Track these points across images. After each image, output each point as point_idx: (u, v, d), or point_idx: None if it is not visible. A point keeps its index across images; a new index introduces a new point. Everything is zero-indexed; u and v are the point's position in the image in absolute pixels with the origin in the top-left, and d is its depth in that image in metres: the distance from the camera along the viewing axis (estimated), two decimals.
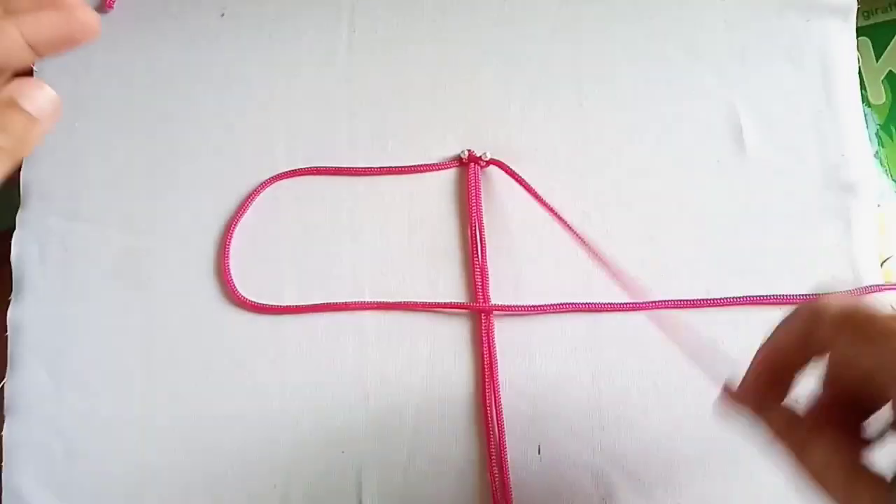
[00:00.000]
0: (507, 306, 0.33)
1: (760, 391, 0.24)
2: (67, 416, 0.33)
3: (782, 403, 0.23)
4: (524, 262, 0.33)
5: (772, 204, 0.33)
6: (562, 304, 0.33)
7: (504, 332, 0.33)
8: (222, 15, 0.37)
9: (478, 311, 0.33)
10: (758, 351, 0.24)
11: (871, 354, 0.20)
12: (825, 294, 0.24)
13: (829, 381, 0.23)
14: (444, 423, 0.32)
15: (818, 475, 0.22)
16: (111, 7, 0.38)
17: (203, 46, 0.37)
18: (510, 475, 0.31)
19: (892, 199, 0.39)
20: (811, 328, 0.22)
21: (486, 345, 0.32)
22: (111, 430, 0.33)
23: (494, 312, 0.33)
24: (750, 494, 0.31)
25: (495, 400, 0.32)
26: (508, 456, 0.31)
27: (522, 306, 0.33)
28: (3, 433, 0.33)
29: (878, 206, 0.34)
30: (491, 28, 0.36)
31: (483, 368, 0.32)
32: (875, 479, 0.21)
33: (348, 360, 0.33)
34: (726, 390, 0.25)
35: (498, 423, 0.31)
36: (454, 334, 0.33)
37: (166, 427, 0.33)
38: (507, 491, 0.31)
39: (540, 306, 0.33)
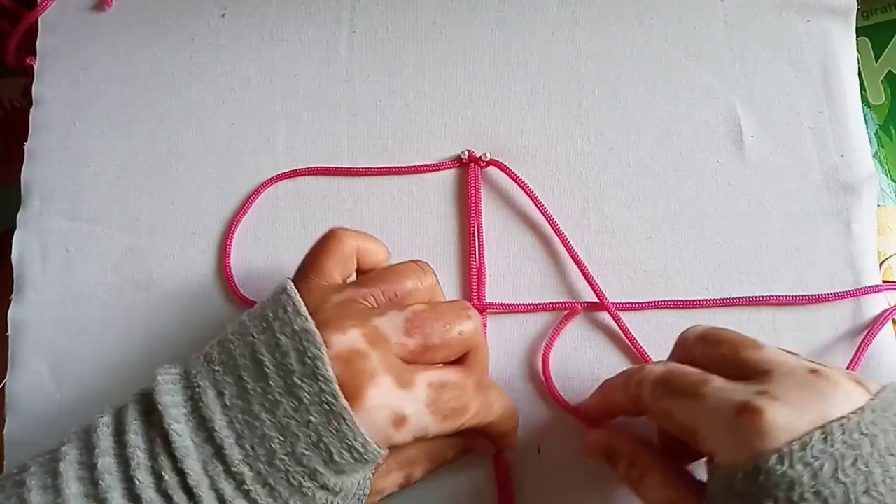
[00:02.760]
0: (501, 304, 0.33)
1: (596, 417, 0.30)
2: (68, 416, 0.33)
3: (628, 444, 0.27)
4: (524, 262, 0.34)
5: (771, 204, 0.33)
6: (557, 303, 0.33)
7: (503, 331, 0.33)
8: (223, 15, 0.37)
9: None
10: (592, 397, 0.30)
11: (683, 410, 0.24)
12: (648, 366, 0.26)
13: (658, 431, 0.28)
14: None
15: None
16: (109, 6, 0.38)
17: (203, 46, 0.37)
18: (511, 475, 0.31)
19: (892, 199, 0.39)
20: (634, 392, 0.26)
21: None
22: None
23: (489, 312, 0.33)
24: None
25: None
26: (508, 456, 0.31)
27: (517, 305, 0.33)
28: (3, 433, 0.33)
29: (878, 206, 0.34)
30: (491, 28, 0.36)
31: None
32: None
33: None
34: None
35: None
36: None
37: None
38: (507, 491, 0.31)
39: (535, 305, 0.33)
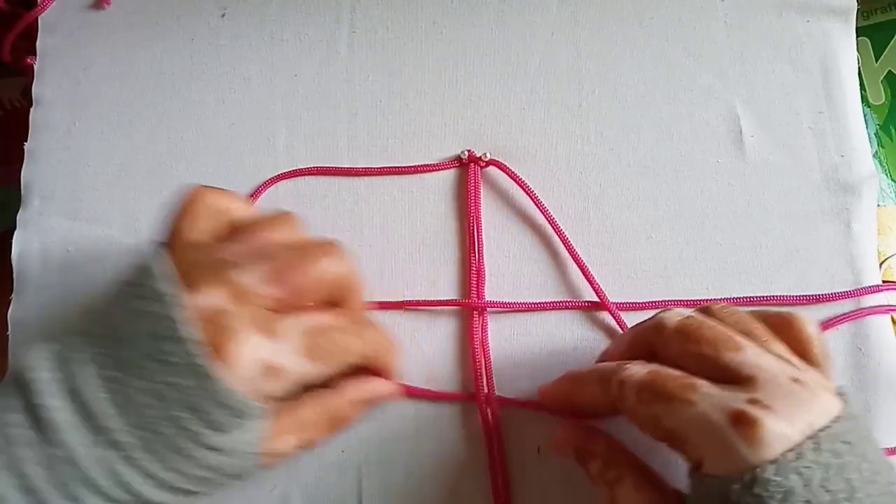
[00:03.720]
0: (501, 303, 0.33)
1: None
2: None
3: (602, 446, 0.27)
4: (523, 262, 0.34)
5: (771, 204, 0.33)
6: (557, 302, 0.33)
7: (503, 331, 0.33)
8: (223, 15, 0.37)
9: (471, 309, 0.33)
10: (557, 385, 0.29)
11: (671, 415, 0.23)
12: (631, 367, 0.25)
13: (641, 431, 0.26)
14: (444, 423, 0.32)
15: None
16: (108, 4, 0.38)
17: (203, 46, 0.37)
18: (510, 475, 0.31)
19: (892, 199, 0.39)
20: (615, 393, 0.25)
21: (480, 342, 0.32)
22: None
23: (489, 310, 0.33)
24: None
25: (490, 398, 0.32)
26: (508, 456, 0.31)
27: (517, 303, 0.33)
28: None
29: (878, 205, 0.34)
30: (491, 28, 0.36)
31: (476, 367, 0.32)
32: None
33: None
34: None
35: (494, 423, 0.31)
36: (453, 334, 0.33)
37: None
38: (506, 491, 0.31)
39: (535, 303, 0.33)
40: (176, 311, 0.23)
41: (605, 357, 0.29)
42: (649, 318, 0.26)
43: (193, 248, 0.26)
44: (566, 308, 0.33)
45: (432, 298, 0.33)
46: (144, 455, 0.24)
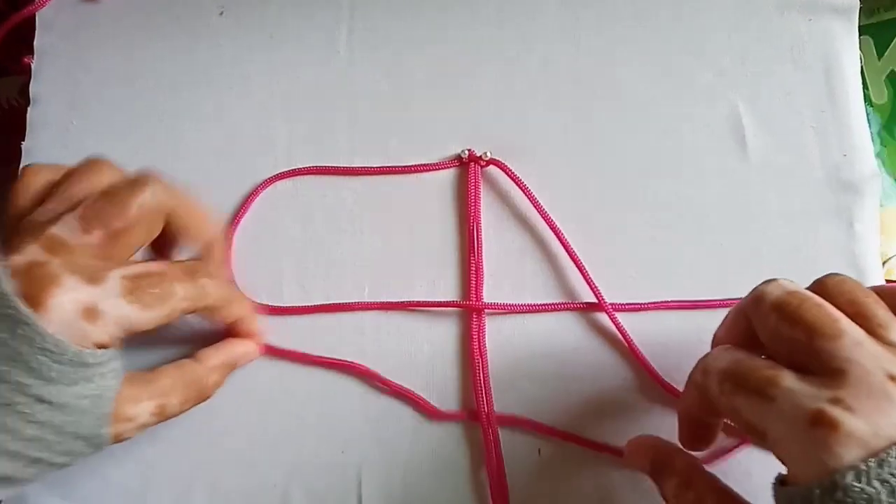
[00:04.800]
0: (498, 304, 0.33)
1: (686, 440, 0.27)
2: None
3: (681, 463, 0.26)
4: (523, 262, 0.33)
5: (773, 203, 0.33)
6: (557, 304, 0.33)
7: (503, 332, 0.33)
8: (221, 13, 0.37)
9: (469, 310, 0.33)
10: (678, 406, 0.28)
11: (751, 409, 0.22)
12: (713, 355, 0.24)
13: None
14: (444, 423, 0.32)
15: None
16: None
17: (203, 46, 0.37)
18: (509, 475, 0.31)
19: (894, 198, 0.39)
20: (700, 382, 0.24)
21: (478, 343, 0.32)
22: None
23: (488, 312, 0.33)
24: (750, 494, 0.31)
25: (487, 399, 0.32)
26: (508, 456, 0.31)
27: (514, 304, 0.33)
28: None
29: (881, 205, 0.34)
30: (491, 28, 0.36)
31: (475, 368, 0.32)
32: None
33: (348, 359, 0.33)
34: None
35: (491, 423, 0.31)
36: (453, 333, 0.33)
37: (167, 426, 0.33)
38: (505, 491, 0.31)
39: (533, 305, 0.33)
40: None
41: (714, 340, 0.28)
42: (753, 290, 0.24)
43: (18, 217, 0.27)
44: (564, 309, 0.33)
45: (431, 299, 0.33)
46: None
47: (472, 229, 0.33)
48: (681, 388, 0.31)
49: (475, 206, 0.33)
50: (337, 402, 0.33)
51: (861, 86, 0.34)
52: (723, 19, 0.35)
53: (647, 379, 0.32)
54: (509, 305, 0.33)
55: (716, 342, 0.27)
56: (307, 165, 0.35)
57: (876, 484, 0.19)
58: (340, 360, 0.33)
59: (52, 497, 0.33)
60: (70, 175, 0.28)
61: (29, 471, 0.25)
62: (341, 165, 0.35)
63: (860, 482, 0.19)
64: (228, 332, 0.32)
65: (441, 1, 0.36)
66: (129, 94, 0.36)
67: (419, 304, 0.33)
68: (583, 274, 0.32)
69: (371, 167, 0.35)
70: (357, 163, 0.35)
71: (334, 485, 0.32)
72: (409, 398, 0.32)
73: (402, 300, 0.33)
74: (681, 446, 0.28)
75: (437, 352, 0.33)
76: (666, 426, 0.31)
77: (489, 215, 0.34)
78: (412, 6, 0.36)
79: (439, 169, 0.35)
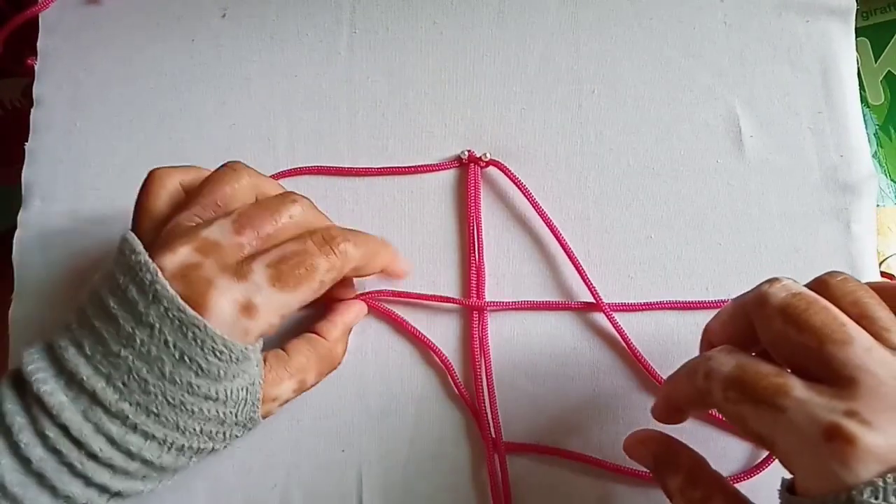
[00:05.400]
0: (501, 303, 0.33)
1: (661, 417, 0.27)
2: None
3: (686, 461, 0.25)
4: (523, 262, 0.34)
5: (771, 204, 0.33)
6: (553, 302, 0.33)
7: (503, 332, 0.33)
8: (223, 15, 0.37)
9: (470, 308, 0.33)
10: (665, 388, 0.27)
11: (759, 419, 0.21)
12: (716, 357, 0.23)
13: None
14: (443, 423, 0.32)
15: None
16: None
17: (204, 47, 0.37)
18: (509, 474, 0.31)
19: (891, 199, 0.39)
20: (702, 386, 0.23)
21: (480, 341, 0.32)
22: None
23: (490, 310, 0.33)
24: (750, 494, 0.31)
25: (490, 398, 0.32)
26: (509, 456, 0.31)
27: (517, 302, 0.33)
28: None
29: (877, 205, 0.35)
30: (491, 28, 0.36)
31: (475, 366, 0.32)
32: None
33: (348, 359, 0.33)
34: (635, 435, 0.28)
35: (494, 423, 0.31)
36: (453, 333, 0.33)
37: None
38: (506, 490, 0.31)
39: (535, 302, 0.33)
40: (149, 274, 0.24)
41: (706, 331, 0.27)
42: (754, 288, 0.24)
43: (163, 222, 0.27)
44: (562, 309, 0.33)
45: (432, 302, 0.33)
46: (142, 418, 0.25)
47: (472, 230, 0.33)
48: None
49: (475, 206, 0.34)
50: (337, 401, 0.33)
51: (858, 87, 0.34)
52: (721, 20, 0.35)
53: (645, 378, 0.32)
54: (511, 303, 0.33)
55: (709, 336, 0.27)
56: (308, 165, 0.35)
57: (893, 500, 0.19)
58: (428, 339, 0.33)
59: None
60: (210, 180, 0.28)
61: (190, 460, 0.27)
62: (342, 166, 0.35)
63: (877, 499, 0.19)
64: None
65: (441, 2, 0.36)
66: (131, 95, 0.37)
67: (421, 296, 0.33)
68: (581, 275, 0.32)
69: (371, 168, 0.35)
70: (357, 163, 0.35)
71: (334, 485, 0.32)
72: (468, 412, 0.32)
73: (402, 303, 0.33)
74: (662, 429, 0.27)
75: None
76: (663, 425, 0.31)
77: (489, 216, 0.34)
78: (412, 7, 0.36)
79: (439, 170, 0.35)
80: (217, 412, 0.26)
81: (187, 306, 0.24)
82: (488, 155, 0.34)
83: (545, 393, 0.32)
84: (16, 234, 0.35)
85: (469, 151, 0.34)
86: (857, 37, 0.35)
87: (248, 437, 0.32)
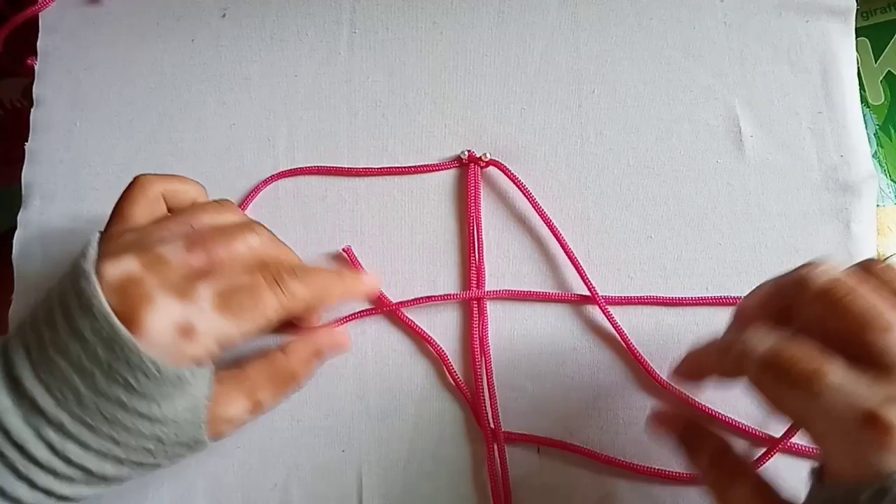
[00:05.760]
0: (498, 291, 0.33)
1: (683, 377, 0.28)
2: None
3: (710, 443, 0.26)
4: (523, 262, 0.34)
5: (771, 204, 0.33)
6: (550, 294, 0.33)
7: (503, 333, 0.33)
8: (223, 15, 0.37)
9: (469, 300, 0.33)
10: (685, 359, 0.28)
11: (795, 402, 0.21)
12: (752, 337, 0.23)
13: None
14: (444, 423, 0.32)
15: None
16: None
17: (204, 47, 0.37)
18: (510, 475, 0.31)
19: (891, 199, 0.39)
20: (735, 365, 0.23)
21: (479, 333, 0.32)
22: None
23: (488, 299, 0.33)
24: None
25: (489, 389, 0.32)
26: (508, 455, 0.31)
27: (513, 291, 0.33)
28: None
29: (877, 205, 0.35)
30: (491, 28, 0.36)
31: (475, 359, 0.32)
32: None
33: (349, 359, 0.33)
34: (655, 413, 0.28)
35: (495, 422, 0.31)
36: (452, 331, 0.33)
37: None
38: (506, 490, 0.31)
39: (532, 293, 0.33)
40: (85, 282, 0.24)
41: (740, 308, 0.27)
42: (794, 270, 0.23)
43: (127, 230, 0.27)
44: (558, 300, 0.33)
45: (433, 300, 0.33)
46: (78, 428, 0.24)
47: (472, 230, 0.33)
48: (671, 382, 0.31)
49: (475, 206, 0.34)
50: (337, 401, 0.33)
51: (858, 87, 0.34)
52: (721, 20, 0.35)
53: (642, 375, 0.32)
54: (508, 291, 0.33)
55: (743, 313, 0.26)
56: (308, 166, 0.35)
57: None
58: (423, 331, 0.33)
59: None
60: (195, 206, 0.28)
61: (132, 472, 0.26)
62: (342, 166, 0.35)
63: None
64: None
65: (441, 2, 0.36)
66: (131, 95, 0.37)
67: (419, 300, 0.33)
68: (578, 271, 0.32)
69: (371, 168, 0.35)
70: (357, 163, 0.35)
71: (334, 485, 0.32)
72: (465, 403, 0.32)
73: (401, 300, 0.33)
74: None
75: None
76: (651, 404, 0.31)
77: (489, 216, 0.34)
78: (412, 7, 0.36)
79: (439, 170, 0.35)
80: (154, 430, 0.25)
81: (118, 323, 0.23)
82: (488, 155, 0.34)
83: (544, 392, 0.32)
84: (16, 234, 0.35)
85: (469, 151, 0.34)
86: (857, 37, 0.35)
87: (249, 438, 0.32)
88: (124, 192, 0.28)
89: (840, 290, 0.22)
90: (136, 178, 0.29)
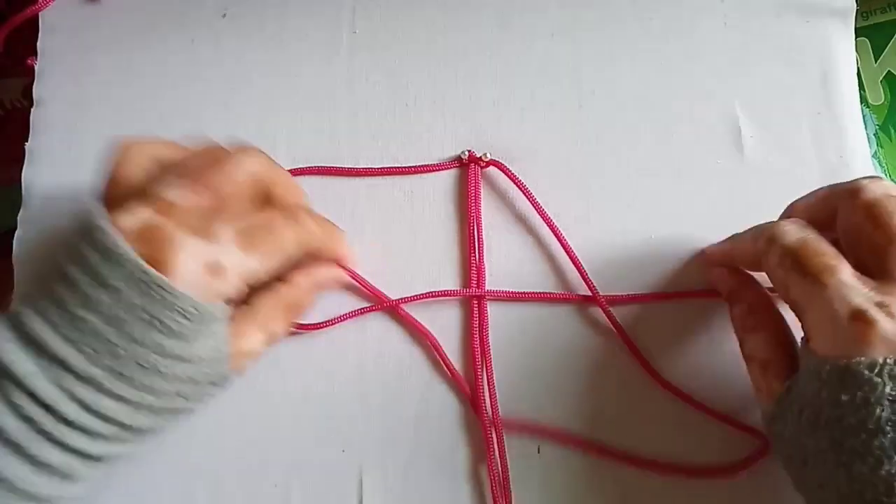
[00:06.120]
0: (499, 291, 0.33)
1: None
2: None
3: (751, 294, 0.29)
4: (524, 262, 0.34)
5: (770, 204, 0.33)
6: (554, 294, 0.33)
7: (503, 334, 0.33)
8: (223, 15, 0.37)
9: (470, 298, 0.33)
10: (719, 245, 0.31)
11: (801, 288, 0.24)
12: (785, 225, 0.26)
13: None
14: (444, 423, 0.32)
15: (746, 361, 0.28)
16: None
17: (204, 47, 0.37)
18: (510, 475, 0.31)
19: None
20: (761, 248, 0.26)
21: (479, 331, 0.32)
22: None
23: (489, 298, 0.33)
24: (752, 493, 0.31)
25: (490, 394, 0.32)
26: (508, 455, 0.31)
27: (514, 292, 0.33)
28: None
29: None
30: (491, 28, 0.36)
31: (474, 354, 0.32)
32: (778, 383, 0.25)
33: (349, 359, 0.33)
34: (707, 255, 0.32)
35: (495, 421, 0.31)
36: (454, 332, 0.33)
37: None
38: (507, 490, 0.31)
39: (533, 293, 0.33)
40: (109, 237, 0.24)
41: (790, 208, 0.29)
42: (854, 179, 0.25)
43: (125, 190, 0.27)
44: (559, 299, 0.33)
45: (432, 300, 0.33)
46: (112, 381, 0.24)
47: (473, 230, 0.33)
48: (673, 380, 0.31)
49: (476, 207, 0.34)
50: (337, 401, 0.33)
51: (858, 87, 0.34)
52: (721, 21, 0.35)
53: (643, 374, 0.32)
54: (509, 292, 0.33)
55: (791, 213, 0.29)
56: (308, 166, 0.35)
57: (885, 377, 0.21)
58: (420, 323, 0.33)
59: None
60: (185, 153, 0.28)
61: (167, 421, 0.27)
62: (342, 166, 0.35)
63: (872, 372, 0.21)
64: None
65: (442, 2, 0.36)
66: (131, 95, 0.37)
67: (418, 297, 0.33)
68: (579, 270, 0.32)
69: (372, 168, 0.35)
70: (357, 163, 0.35)
71: (334, 485, 0.32)
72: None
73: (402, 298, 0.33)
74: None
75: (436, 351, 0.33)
76: (657, 414, 0.31)
77: (489, 216, 0.34)
78: (413, 8, 0.36)
79: (439, 170, 0.35)
80: (188, 372, 0.26)
81: (150, 267, 0.24)
82: (488, 155, 0.34)
83: (545, 392, 0.32)
84: (16, 234, 0.35)
85: (469, 151, 0.34)
86: (857, 37, 0.35)
87: (249, 437, 0.32)
88: (114, 158, 0.28)
89: (888, 205, 0.24)
90: (124, 144, 0.28)
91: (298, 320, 0.32)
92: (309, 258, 0.31)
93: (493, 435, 0.31)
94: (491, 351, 0.32)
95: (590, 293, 0.32)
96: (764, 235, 0.26)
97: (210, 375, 0.27)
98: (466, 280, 0.33)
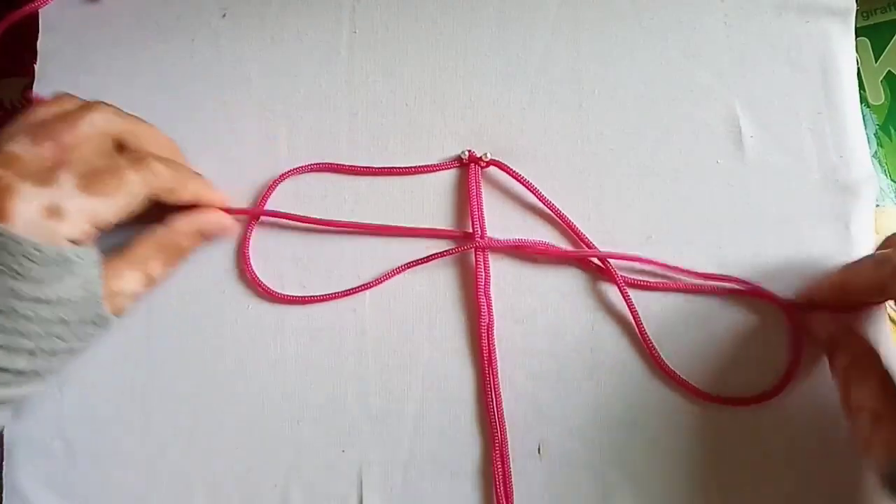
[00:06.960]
0: (500, 240, 0.33)
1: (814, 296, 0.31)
2: (67, 416, 0.33)
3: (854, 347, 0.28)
4: (525, 262, 0.34)
5: (770, 204, 0.33)
6: (565, 250, 0.33)
7: (504, 336, 0.33)
8: (223, 15, 0.37)
9: (472, 249, 0.33)
10: (829, 279, 0.30)
11: None
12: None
13: None
14: (444, 422, 0.32)
15: (853, 413, 0.26)
16: None
17: (204, 47, 0.37)
18: (511, 474, 0.31)
19: (891, 199, 0.39)
20: (888, 279, 0.26)
21: (487, 336, 0.32)
22: (111, 430, 0.33)
23: (490, 249, 0.33)
24: (753, 493, 0.31)
25: (496, 396, 0.32)
26: (510, 455, 0.31)
27: (515, 240, 0.33)
28: (3, 432, 0.33)
29: (877, 205, 0.35)
30: (491, 28, 0.36)
31: (483, 362, 0.32)
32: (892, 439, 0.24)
33: (349, 359, 0.33)
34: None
35: (500, 422, 0.31)
36: (454, 332, 0.33)
37: (166, 426, 0.33)
38: (508, 490, 0.31)
39: (536, 245, 0.33)
40: None
41: (891, 237, 0.30)
42: None
43: None
44: (572, 257, 0.33)
45: (433, 298, 0.33)
46: None
47: (474, 230, 0.33)
48: (677, 369, 0.31)
49: (477, 206, 0.34)
50: (337, 401, 0.33)
51: (858, 87, 0.34)
52: (721, 20, 0.35)
53: (647, 358, 0.32)
54: (509, 241, 0.33)
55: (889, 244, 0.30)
56: (308, 164, 0.35)
57: None
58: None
59: (52, 496, 0.33)
60: (35, 106, 0.30)
61: (51, 362, 0.27)
62: (342, 164, 0.35)
63: None
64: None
65: (442, 2, 0.36)
66: (131, 95, 0.36)
67: (419, 261, 0.33)
68: (581, 260, 0.32)
69: (372, 168, 0.35)
70: (357, 163, 0.35)
71: (334, 485, 0.32)
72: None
73: (403, 301, 0.33)
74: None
75: (437, 351, 0.33)
76: (655, 401, 0.32)
77: (489, 216, 0.34)
78: (413, 7, 0.36)
79: (440, 170, 0.35)
80: (55, 313, 0.26)
81: None
82: (489, 155, 0.34)
83: (547, 393, 0.32)
84: None
85: (469, 151, 0.34)
86: (857, 37, 0.35)
87: (249, 437, 0.32)
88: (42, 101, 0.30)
89: None
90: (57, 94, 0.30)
91: (179, 261, 0.32)
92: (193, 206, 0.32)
93: (497, 434, 0.31)
94: (496, 348, 0.32)
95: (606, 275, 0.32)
96: (890, 263, 0.26)
97: (80, 315, 0.27)
98: (467, 280, 0.33)
